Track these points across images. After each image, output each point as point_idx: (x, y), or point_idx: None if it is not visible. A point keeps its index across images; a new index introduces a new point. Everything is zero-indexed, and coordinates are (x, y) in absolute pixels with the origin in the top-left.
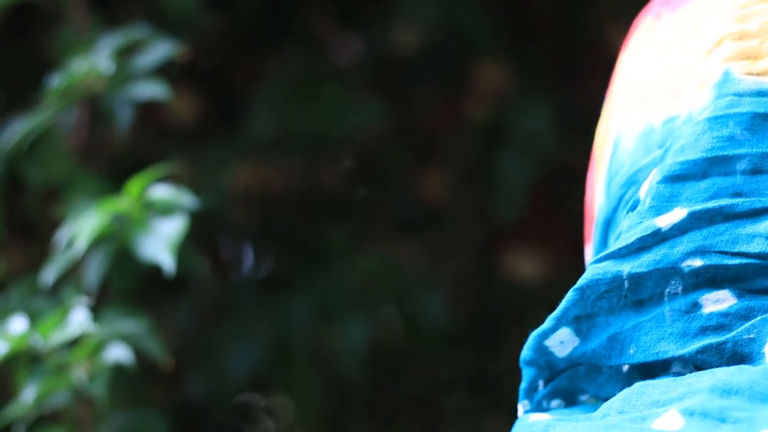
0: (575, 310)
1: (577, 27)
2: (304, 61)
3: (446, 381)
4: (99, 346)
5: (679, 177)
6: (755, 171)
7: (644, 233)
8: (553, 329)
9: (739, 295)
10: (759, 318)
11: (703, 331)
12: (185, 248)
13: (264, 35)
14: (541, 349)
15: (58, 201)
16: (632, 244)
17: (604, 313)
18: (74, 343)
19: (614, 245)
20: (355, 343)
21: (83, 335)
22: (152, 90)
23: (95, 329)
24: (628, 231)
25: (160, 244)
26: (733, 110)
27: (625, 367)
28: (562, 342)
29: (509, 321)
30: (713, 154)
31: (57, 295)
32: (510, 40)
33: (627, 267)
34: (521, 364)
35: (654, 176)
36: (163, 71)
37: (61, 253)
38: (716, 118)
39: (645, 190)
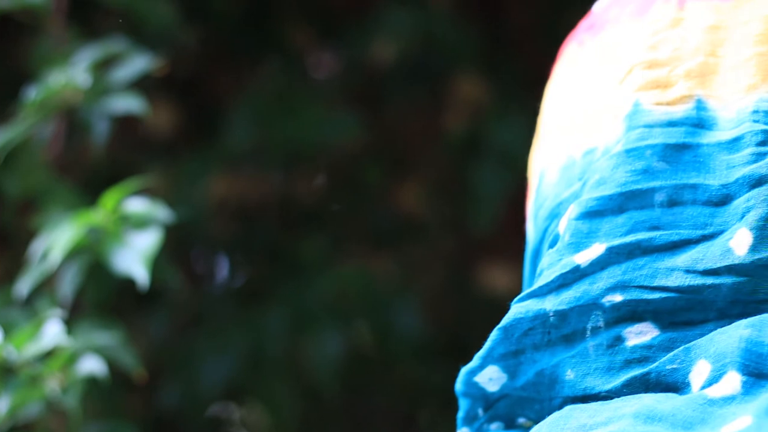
0: (501, 348)
1: (554, 41)
2: (282, 74)
3: (420, 392)
4: (72, 358)
5: (596, 212)
6: (672, 203)
7: (564, 270)
8: (480, 367)
9: (662, 327)
10: (681, 348)
11: (628, 363)
12: (160, 261)
13: (242, 48)
14: (472, 385)
15: (35, 212)
16: (552, 281)
17: (530, 350)
18: (48, 354)
19: (536, 283)
20: (329, 354)
21: (57, 347)
22: (129, 103)
23: (69, 341)
24: (549, 268)
25: (135, 257)
26: (645, 142)
27: (558, 399)
28: (491, 379)
29: (484, 333)
30: (628, 189)
31: (31, 306)
32: (486, 53)
33: (548, 305)
34: (457, 395)
35: (571, 212)
36: (141, 83)
37: (35, 264)
38: (629, 151)
39: (564, 226)
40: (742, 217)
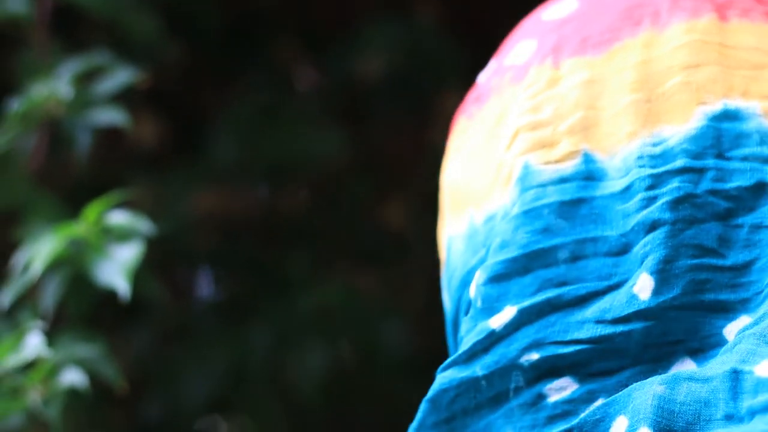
0: (431, 418)
1: None
2: (267, 89)
3: (405, 408)
4: (54, 370)
5: (503, 276)
6: (575, 258)
7: (480, 336)
8: None
9: (580, 380)
10: (601, 401)
11: (551, 420)
12: (143, 274)
13: (228, 62)
14: None
15: (16, 225)
16: (470, 348)
17: (461, 415)
18: (29, 366)
19: (458, 351)
20: (312, 369)
21: (38, 359)
22: (112, 116)
23: (50, 353)
24: (467, 335)
25: (116, 269)
26: (540, 202)
27: None
28: None
29: None
30: (530, 249)
31: (13, 318)
32: (473, 68)
33: (470, 371)
34: None
35: (479, 277)
36: (125, 96)
37: (17, 276)
38: (526, 212)
39: (474, 291)
40: (642, 263)
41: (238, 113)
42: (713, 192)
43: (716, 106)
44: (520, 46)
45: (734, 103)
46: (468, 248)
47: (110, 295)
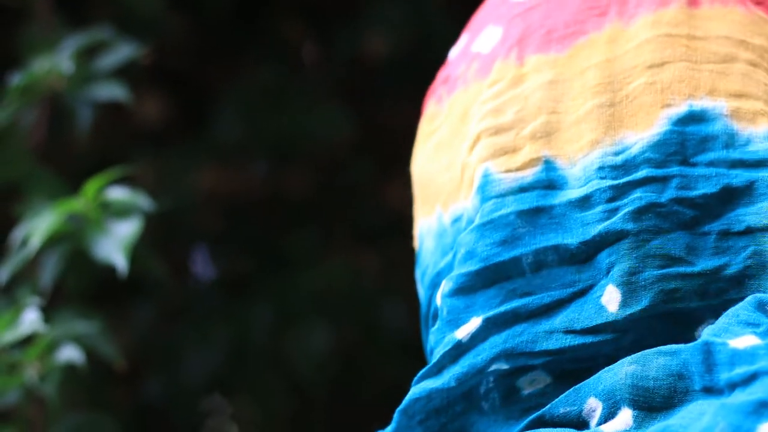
0: (404, 428)
1: None
2: (273, 67)
3: (405, 389)
4: (51, 346)
5: (468, 288)
6: (538, 267)
7: (447, 348)
8: None
9: (554, 377)
10: (571, 389)
11: (526, 411)
12: (144, 251)
13: (233, 40)
14: None
15: (17, 200)
16: (439, 360)
17: (434, 415)
18: (26, 342)
19: (429, 363)
20: (314, 349)
21: (35, 335)
22: (113, 91)
23: (46, 329)
24: (436, 346)
25: (115, 244)
26: (499, 213)
27: None
28: None
29: None
30: (491, 262)
31: (12, 294)
32: None
33: (440, 382)
34: None
35: (444, 287)
36: (130, 73)
37: (15, 252)
38: (484, 224)
39: (440, 301)
40: (607, 273)
41: (243, 91)
42: (678, 200)
43: (681, 108)
44: (487, 32)
45: (700, 103)
46: (437, 248)
47: (112, 273)
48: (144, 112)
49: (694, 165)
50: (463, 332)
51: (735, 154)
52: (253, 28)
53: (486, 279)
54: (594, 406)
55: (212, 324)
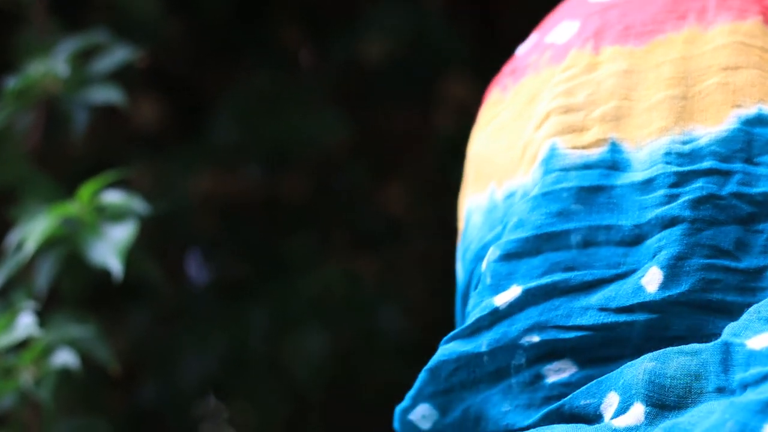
0: (429, 387)
1: None
2: (270, 71)
3: (403, 394)
4: (46, 351)
5: (515, 254)
6: (587, 244)
7: (483, 312)
8: (412, 406)
9: (580, 365)
10: (593, 381)
11: (547, 400)
12: (139, 254)
13: (230, 44)
14: (406, 423)
15: (13, 204)
16: (473, 323)
17: (458, 388)
18: (22, 346)
19: (462, 325)
20: (311, 353)
21: (30, 339)
22: (108, 94)
23: (41, 333)
24: (473, 309)
25: (110, 248)
26: (560, 185)
27: None
28: (423, 416)
29: None
30: (544, 231)
31: (6, 298)
32: (476, 53)
33: (471, 346)
34: (396, 429)
35: (491, 254)
36: (127, 76)
37: (10, 256)
38: (544, 194)
39: (485, 267)
40: (654, 256)
41: (240, 95)
42: (738, 195)
43: (751, 110)
44: (563, 26)
45: None
46: (486, 222)
47: (108, 277)
48: (140, 115)
49: (757, 164)
50: (501, 299)
51: None
52: (250, 32)
53: (534, 247)
54: (612, 400)
55: (208, 328)
